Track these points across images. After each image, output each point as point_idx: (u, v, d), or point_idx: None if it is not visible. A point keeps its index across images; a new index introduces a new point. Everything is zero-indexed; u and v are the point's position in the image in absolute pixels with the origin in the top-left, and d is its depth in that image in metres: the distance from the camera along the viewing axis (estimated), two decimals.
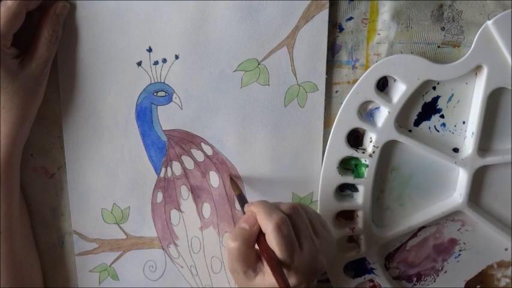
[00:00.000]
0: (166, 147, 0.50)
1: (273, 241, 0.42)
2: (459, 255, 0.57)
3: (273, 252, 0.42)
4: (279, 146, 0.51)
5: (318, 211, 0.52)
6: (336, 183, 0.52)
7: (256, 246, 0.44)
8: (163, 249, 0.53)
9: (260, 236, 0.43)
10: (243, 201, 0.48)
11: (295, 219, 0.44)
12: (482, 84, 0.49)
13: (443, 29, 0.49)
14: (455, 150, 0.52)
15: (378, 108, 0.50)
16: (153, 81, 0.48)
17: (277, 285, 0.41)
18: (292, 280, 0.42)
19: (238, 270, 0.43)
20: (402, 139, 0.50)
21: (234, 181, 0.51)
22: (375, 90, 0.49)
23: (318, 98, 0.50)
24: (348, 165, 0.52)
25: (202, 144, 0.50)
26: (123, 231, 0.52)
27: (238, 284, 0.45)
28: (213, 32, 0.47)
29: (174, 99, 0.49)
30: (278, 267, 0.42)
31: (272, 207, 0.44)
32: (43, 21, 0.44)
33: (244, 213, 0.46)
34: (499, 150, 0.52)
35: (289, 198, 0.52)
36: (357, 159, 0.51)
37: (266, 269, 0.43)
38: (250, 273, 0.43)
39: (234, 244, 0.43)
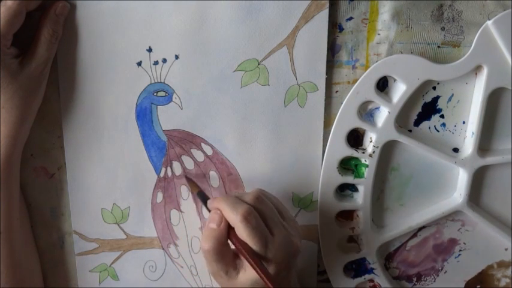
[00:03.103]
0: (166, 147, 0.50)
1: (243, 233, 0.42)
2: (459, 255, 0.57)
3: (246, 244, 0.42)
4: (279, 146, 0.51)
5: (318, 211, 0.52)
6: (336, 183, 0.52)
7: (232, 246, 0.44)
8: (163, 249, 0.53)
9: (230, 231, 0.43)
10: (204, 198, 0.47)
11: (260, 208, 0.43)
12: (482, 84, 0.49)
13: (443, 29, 0.49)
14: (455, 150, 0.52)
15: (378, 108, 0.50)
16: (153, 81, 0.48)
17: (259, 278, 0.41)
18: (271, 269, 0.42)
19: (219, 272, 0.43)
20: (402, 139, 0.50)
21: (191, 180, 0.50)
22: (375, 90, 0.49)
23: (318, 98, 0.50)
24: (348, 165, 0.52)
25: (202, 144, 0.50)
26: (123, 231, 0.52)
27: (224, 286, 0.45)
28: (213, 32, 0.47)
29: (174, 99, 0.49)
30: (254, 258, 0.42)
31: (236, 200, 0.44)
32: (43, 21, 0.44)
33: (208, 210, 0.46)
34: (499, 150, 0.52)
35: (289, 198, 0.52)
36: (357, 159, 0.51)
37: (245, 263, 0.43)
38: (232, 271, 0.43)
39: (207, 246, 0.43)
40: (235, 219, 0.42)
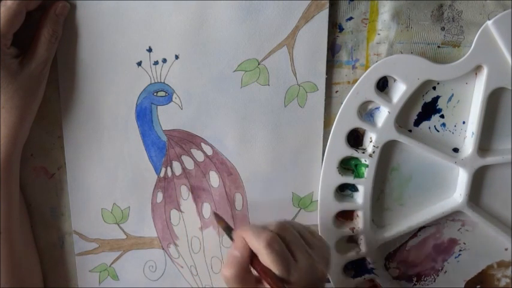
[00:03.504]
0: (166, 147, 0.50)
1: (266, 259, 0.42)
2: (459, 255, 0.57)
3: (269, 270, 0.42)
4: (279, 146, 0.51)
5: (318, 211, 0.52)
6: (336, 183, 0.52)
7: (254, 272, 0.44)
8: (163, 249, 0.53)
9: (254, 258, 0.43)
10: (230, 230, 0.47)
11: (284, 234, 0.44)
12: (482, 84, 0.49)
13: (443, 29, 0.49)
14: (455, 150, 0.52)
15: (378, 108, 0.50)
16: (153, 81, 0.48)
17: None
18: None
19: None
20: (402, 139, 0.50)
21: (218, 215, 0.49)
22: (375, 90, 0.49)
23: (318, 98, 0.50)
24: (348, 165, 0.52)
25: (202, 144, 0.50)
26: (123, 231, 0.52)
27: None
28: (213, 32, 0.47)
29: (174, 99, 0.49)
30: (278, 283, 0.42)
31: (259, 228, 0.44)
32: (43, 21, 0.44)
33: (232, 240, 0.46)
34: (499, 150, 0.52)
35: (289, 198, 0.52)
36: (357, 159, 0.51)
37: None
38: None
39: (229, 273, 0.43)
40: (259, 245, 0.42)
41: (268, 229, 0.44)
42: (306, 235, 0.46)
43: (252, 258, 0.43)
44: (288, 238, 0.44)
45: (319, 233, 0.53)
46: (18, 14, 0.42)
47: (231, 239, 0.46)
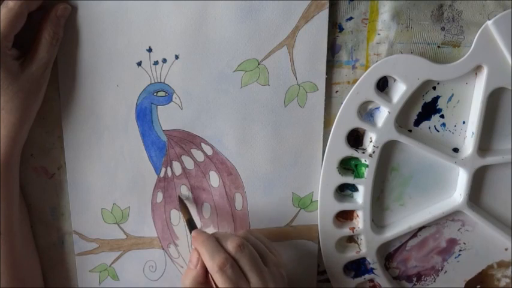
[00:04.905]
0: (166, 147, 0.50)
1: (218, 283, 0.44)
2: (459, 255, 0.57)
3: None
4: (279, 146, 0.51)
5: (318, 211, 0.52)
6: (336, 183, 0.52)
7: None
8: (163, 249, 0.53)
9: (209, 273, 0.45)
10: (192, 226, 0.48)
11: (239, 257, 0.45)
12: (482, 84, 0.49)
13: (443, 29, 0.49)
14: (455, 150, 0.52)
15: (378, 108, 0.50)
16: (153, 81, 0.48)
17: None
18: None
19: None
20: (402, 139, 0.50)
21: (184, 203, 0.50)
22: (375, 90, 0.49)
23: (318, 98, 0.50)
24: (348, 165, 0.52)
25: (202, 144, 0.50)
26: (123, 231, 0.52)
27: None
28: (213, 32, 0.47)
29: (174, 99, 0.49)
30: None
31: (215, 247, 0.45)
32: (44, 23, 0.44)
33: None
34: (499, 150, 0.52)
35: (289, 198, 0.52)
36: (356, 159, 0.51)
37: None
38: None
39: (186, 283, 0.45)
40: (211, 267, 0.44)
41: (224, 249, 0.45)
42: (263, 252, 0.47)
43: (208, 272, 0.45)
44: (243, 261, 0.45)
45: (320, 233, 0.53)
46: (19, 16, 0.42)
47: (190, 232, 0.47)
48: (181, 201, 0.51)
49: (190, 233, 0.48)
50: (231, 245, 0.45)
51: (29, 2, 0.42)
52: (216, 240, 0.46)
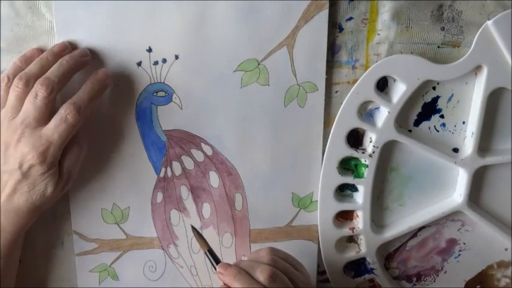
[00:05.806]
0: (166, 147, 0.50)
1: None
2: (459, 255, 0.57)
3: None
4: (279, 146, 0.51)
5: (318, 211, 0.52)
6: (336, 183, 0.52)
7: None
8: (163, 249, 0.53)
9: None
10: (214, 258, 0.47)
11: (273, 285, 0.44)
12: (482, 84, 0.49)
13: (443, 29, 0.49)
14: (455, 150, 0.52)
15: (377, 108, 0.50)
16: (153, 82, 0.48)
17: None
18: None
19: None
20: (402, 139, 0.50)
21: (200, 234, 0.49)
22: (374, 90, 0.49)
23: (318, 98, 0.50)
24: (347, 165, 0.52)
25: (202, 144, 0.50)
26: (123, 231, 0.52)
27: None
28: (213, 32, 0.47)
29: (174, 99, 0.49)
30: None
31: (249, 282, 0.43)
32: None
33: (215, 268, 0.46)
34: (499, 150, 0.52)
35: (289, 199, 0.52)
36: (356, 159, 0.51)
37: None
38: None
39: None
40: None
41: (258, 281, 0.44)
42: (291, 274, 0.46)
43: None
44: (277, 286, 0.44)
45: (320, 233, 0.53)
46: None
47: (212, 264, 0.46)
48: (196, 232, 0.49)
49: (212, 264, 0.47)
50: (262, 277, 0.44)
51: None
52: (247, 274, 0.45)
